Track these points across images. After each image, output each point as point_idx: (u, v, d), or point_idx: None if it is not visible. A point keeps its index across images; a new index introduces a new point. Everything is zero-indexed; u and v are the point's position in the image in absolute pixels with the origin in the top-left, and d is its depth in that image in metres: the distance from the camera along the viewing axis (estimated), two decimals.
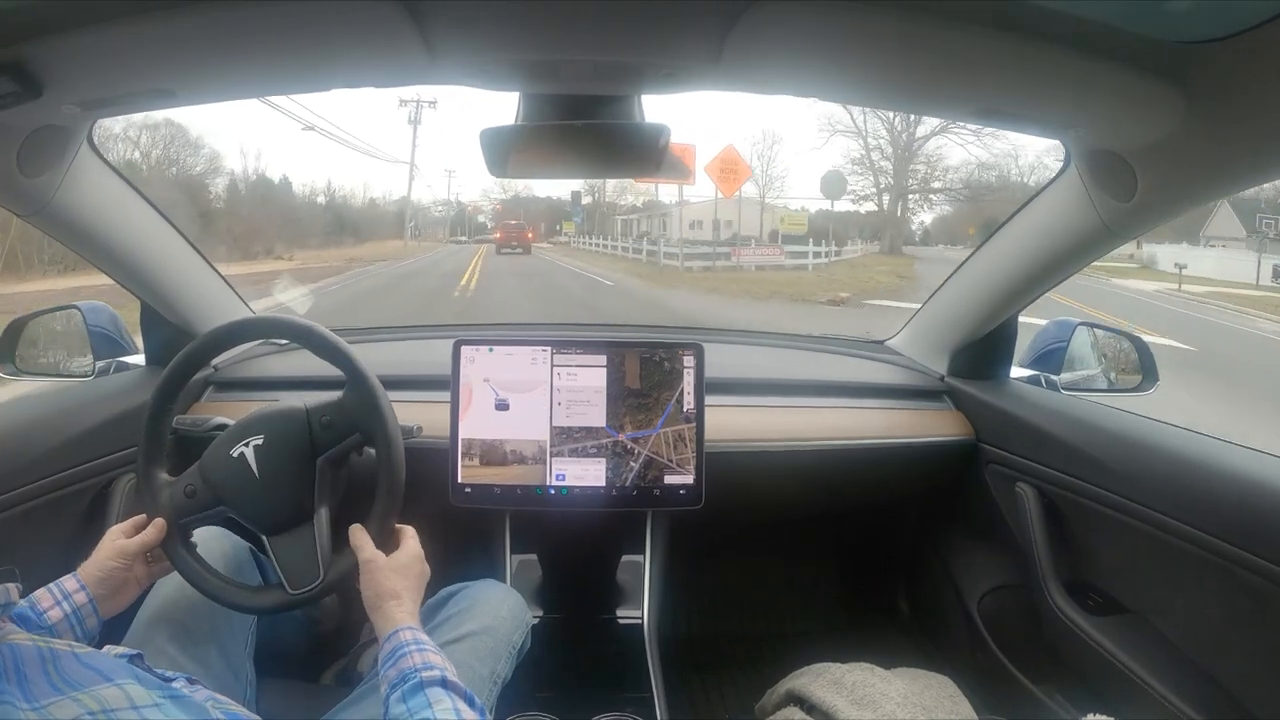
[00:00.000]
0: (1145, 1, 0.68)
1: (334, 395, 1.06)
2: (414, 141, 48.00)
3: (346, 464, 1.07)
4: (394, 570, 0.98)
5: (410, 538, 1.04)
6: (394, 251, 31.49)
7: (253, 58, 0.87)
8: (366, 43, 0.82)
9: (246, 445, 1.02)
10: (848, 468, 1.65)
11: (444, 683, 0.84)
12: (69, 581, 0.95)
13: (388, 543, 1.02)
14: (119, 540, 0.99)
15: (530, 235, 35.52)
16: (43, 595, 0.93)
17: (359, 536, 1.00)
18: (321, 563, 1.00)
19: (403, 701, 0.82)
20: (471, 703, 0.84)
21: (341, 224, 40.52)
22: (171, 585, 1.07)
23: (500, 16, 0.77)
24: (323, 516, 1.02)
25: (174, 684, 0.82)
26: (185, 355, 1.07)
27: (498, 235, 35.36)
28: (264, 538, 1.03)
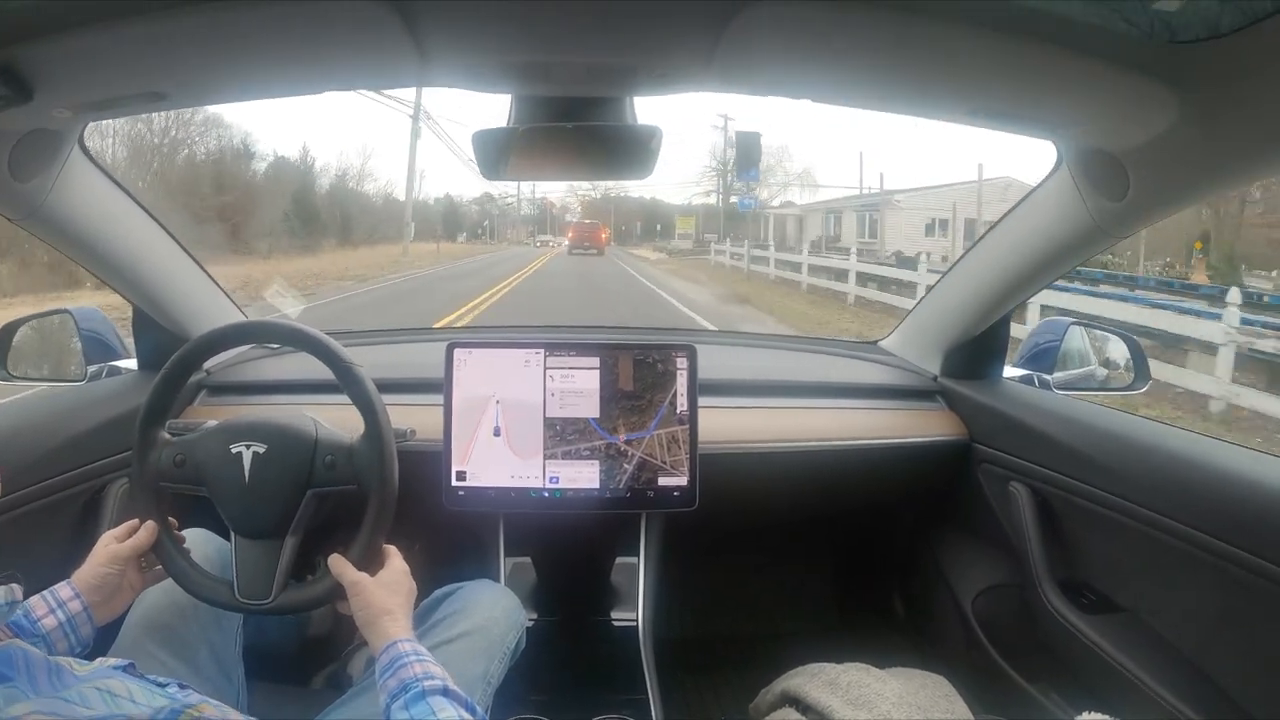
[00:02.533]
0: (1137, 1, 0.68)
1: (348, 435, 1.05)
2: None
3: (331, 500, 1.07)
4: (383, 587, 0.98)
5: (395, 556, 1.04)
6: (376, 263, 21.31)
7: (244, 60, 0.87)
8: (358, 45, 0.82)
9: (246, 448, 1.02)
10: (841, 468, 1.65)
11: (445, 691, 0.84)
12: (63, 589, 0.95)
13: (373, 563, 1.02)
14: (111, 545, 0.99)
15: (604, 236, 31.92)
16: (37, 603, 0.92)
17: (339, 565, 0.99)
18: (275, 585, 1.00)
19: (405, 710, 0.82)
20: (473, 711, 0.84)
21: (310, 218, 26.46)
22: (157, 591, 1.07)
23: (491, 18, 0.77)
24: (290, 544, 1.02)
25: (168, 689, 0.82)
26: (180, 357, 1.07)
27: (569, 234, 32.83)
28: (232, 534, 1.03)
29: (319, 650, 1.48)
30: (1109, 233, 1.20)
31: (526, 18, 0.77)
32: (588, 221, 34.38)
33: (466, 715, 0.82)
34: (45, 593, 0.94)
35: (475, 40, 0.82)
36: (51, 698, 0.68)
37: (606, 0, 0.74)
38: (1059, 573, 1.43)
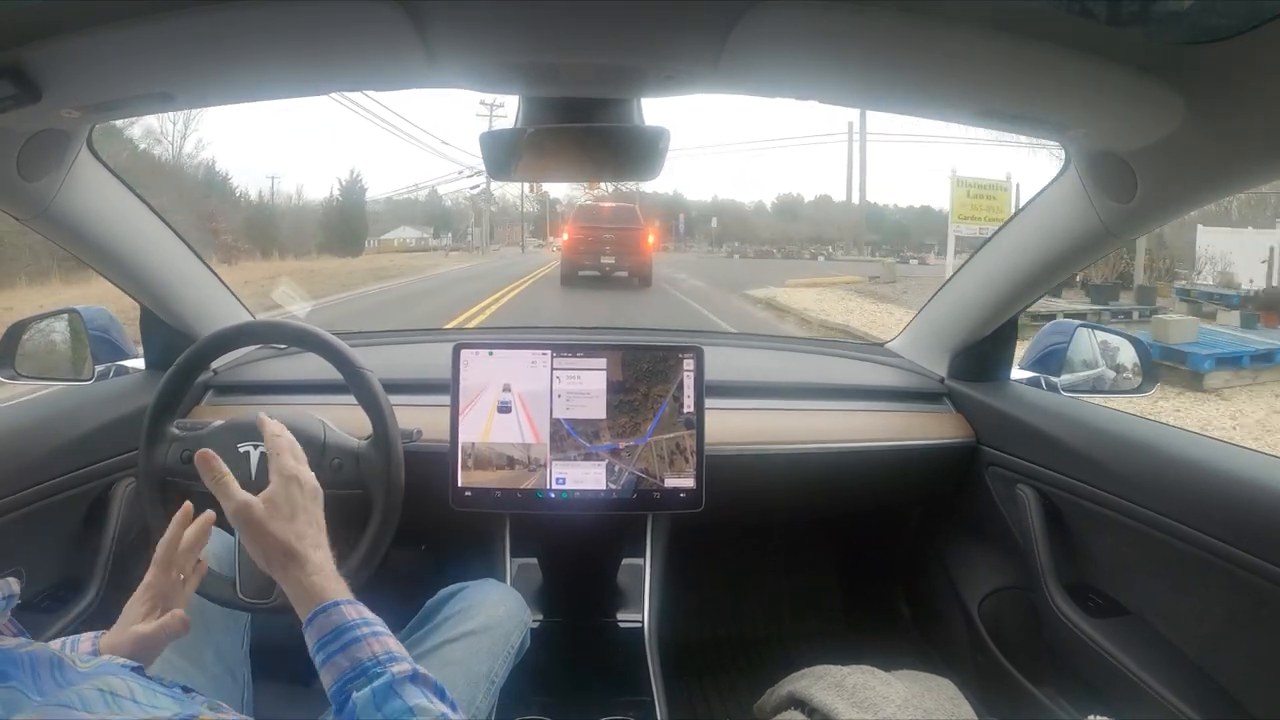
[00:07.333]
0: (1145, 2, 0.68)
1: (356, 440, 1.05)
2: None
3: (335, 502, 1.06)
4: (274, 513, 0.79)
5: (282, 453, 0.84)
6: None
7: (252, 61, 0.87)
8: (365, 45, 0.82)
9: (254, 447, 1.02)
10: (848, 470, 1.64)
11: (414, 677, 0.72)
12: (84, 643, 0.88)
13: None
14: (137, 626, 0.90)
15: (648, 240, 16.66)
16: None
17: (210, 464, 0.80)
18: (277, 586, 1.00)
19: (376, 710, 0.69)
20: (442, 695, 0.73)
21: None
22: None
23: (499, 19, 0.77)
24: None
25: (171, 690, 0.82)
26: (189, 356, 1.07)
27: (566, 236, 17.05)
28: (236, 532, 1.02)
29: None
30: (1116, 235, 1.20)
31: (535, 19, 0.77)
32: (609, 205, 17.59)
33: (441, 704, 0.71)
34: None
35: (483, 41, 0.82)
36: (54, 703, 0.68)
37: (614, 1, 0.74)
38: (1066, 576, 1.42)
